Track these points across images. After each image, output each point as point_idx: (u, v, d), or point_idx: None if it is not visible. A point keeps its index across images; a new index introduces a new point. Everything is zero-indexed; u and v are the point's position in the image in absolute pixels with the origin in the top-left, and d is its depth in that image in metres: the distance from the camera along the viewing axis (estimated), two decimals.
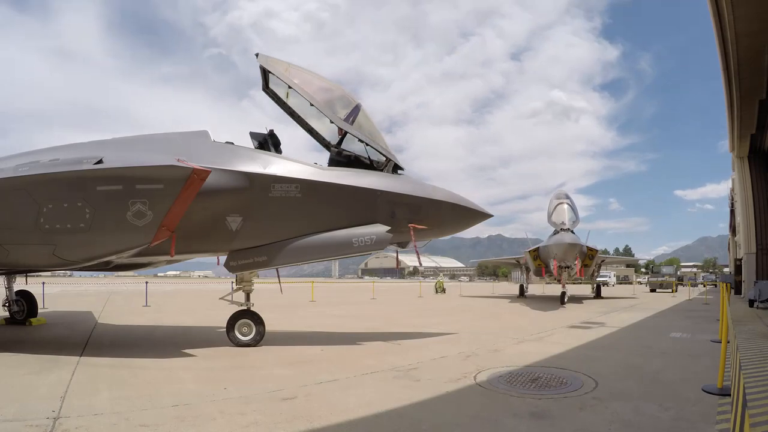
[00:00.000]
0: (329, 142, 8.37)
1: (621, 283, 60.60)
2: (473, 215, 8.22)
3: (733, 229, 39.57)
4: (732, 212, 36.40)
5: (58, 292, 22.62)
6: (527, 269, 24.73)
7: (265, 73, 7.86)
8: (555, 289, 26.64)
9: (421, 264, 8.53)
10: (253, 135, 7.92)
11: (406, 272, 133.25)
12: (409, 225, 7.58)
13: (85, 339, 8.19)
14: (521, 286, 26.59)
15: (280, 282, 8.75)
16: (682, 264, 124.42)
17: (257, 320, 7.58)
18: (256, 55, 7.69)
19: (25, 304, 10.39)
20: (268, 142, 7.84)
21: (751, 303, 16.99)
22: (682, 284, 45.25)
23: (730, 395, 4.26)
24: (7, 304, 10.26)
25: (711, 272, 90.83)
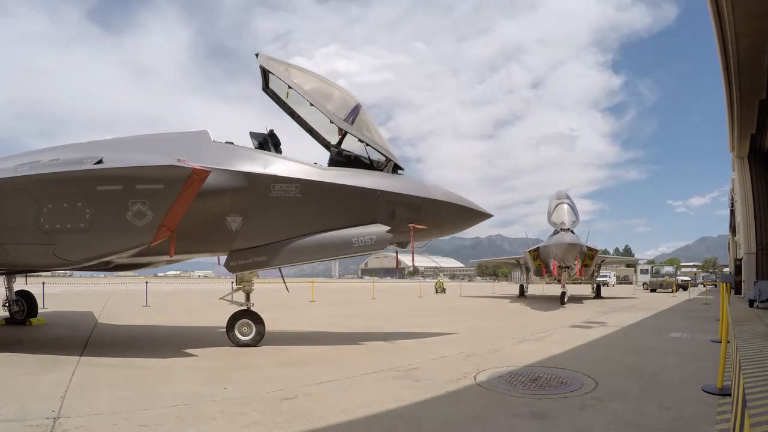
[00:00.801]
0: (329, 142, 8.36)
1: (621, 283, 60.69)
2: (473, 215, 8.21)
3: (733, 229, 39.54)
4: (732, 212, 36.38)
5: (58, 292, 22.62)
6: (527, 269, 24.74)
7: (265, 73, 7.85)
8: (555, 289, 26.62)
9: (413, 265, 8.50)
10: (253, 135, 7.92)
11: (406, 272, 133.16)
12: (409, 225, 7.58)
13: (85, 339, 8.19)
14: (521, 286, 26.60)
15: (285, 282, 8.79)
16: (682, 264, 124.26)
17: (257, 320, 7.58)
18: (256, 55, 7.68)
19: (25, 304, 10.39)
20: (268, 142, 7.83)
21: (751, 303, 16.98)
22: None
23: (730, 395, 4.26)
24: (7, 304, 10.26)
25: (711, 272, 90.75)
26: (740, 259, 28.13)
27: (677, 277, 41.18)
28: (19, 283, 10.93)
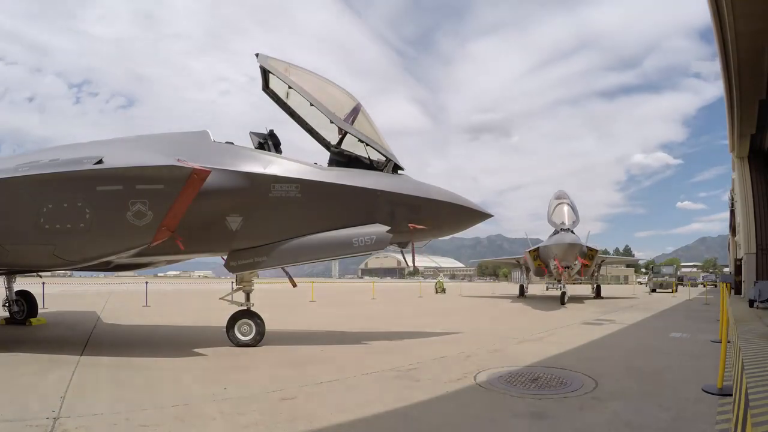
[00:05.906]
0: (329, 142, 8.36)
1: (621, 284, 60.93)
2: (473, 215, 8.21)
3: (733, 229, 39.54)
4: (732, 212, 36.39)
5: (59, 292, 22.60)
6: (527, 269, 24.74)
7: (265, 73, 7.85)
8: (555, 290, 26.64)
9: (410, 265, 8.46)
10: (253, 135, 7.92)
11: (407, 272, 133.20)
12: (409, 225, 7.58)
13: (85, 339, 8.19)
14: (521, 287, 26.58)
15: (291, 278, 8.77)
16: (682, 264, 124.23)
17: (257, 320, 7.57)
18: (256, 55, 7.68)
19: (25, 304, 10.38)
20: (268, 142, 7.84)
21: (751, 303, 16.97)
22: (682, 284, 45.29)
23: (730, 395, 4.26)
24: (7, 304, 10.25)
25: (711, 272, 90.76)
26: (740, 259, 28.13)
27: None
28: (35, 282, 10.85)
